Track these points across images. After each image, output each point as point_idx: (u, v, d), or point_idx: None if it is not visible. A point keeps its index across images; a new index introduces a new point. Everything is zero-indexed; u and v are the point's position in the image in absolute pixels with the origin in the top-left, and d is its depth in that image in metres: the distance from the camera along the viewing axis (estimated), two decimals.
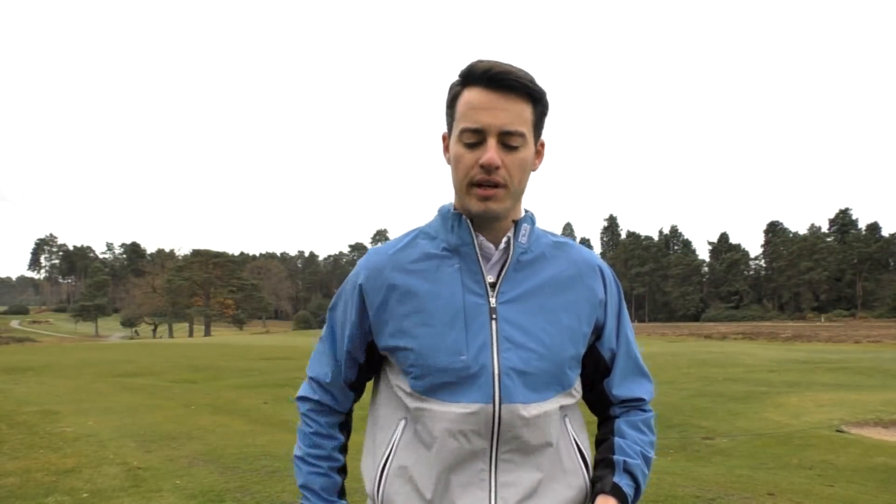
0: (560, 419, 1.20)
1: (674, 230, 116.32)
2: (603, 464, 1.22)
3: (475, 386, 1.13)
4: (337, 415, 1.34)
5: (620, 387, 1.28)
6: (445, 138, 1.21)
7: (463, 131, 1.12)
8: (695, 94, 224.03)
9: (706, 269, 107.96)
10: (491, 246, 1.19)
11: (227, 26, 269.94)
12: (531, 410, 1.14)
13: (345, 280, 1.31)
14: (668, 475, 5.44)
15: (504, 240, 1.19)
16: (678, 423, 8.62)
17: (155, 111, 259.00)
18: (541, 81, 1.15)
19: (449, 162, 1.19)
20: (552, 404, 1.17)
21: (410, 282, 1.19)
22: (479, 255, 1.18)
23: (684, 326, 63.72)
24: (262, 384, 13.85)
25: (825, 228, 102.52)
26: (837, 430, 8.14)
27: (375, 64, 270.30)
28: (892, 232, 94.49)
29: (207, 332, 77.88)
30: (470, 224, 1.17)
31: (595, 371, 1.27)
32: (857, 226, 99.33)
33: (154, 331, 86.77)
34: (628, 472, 1.20)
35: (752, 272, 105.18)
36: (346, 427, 1.37)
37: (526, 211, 1.24)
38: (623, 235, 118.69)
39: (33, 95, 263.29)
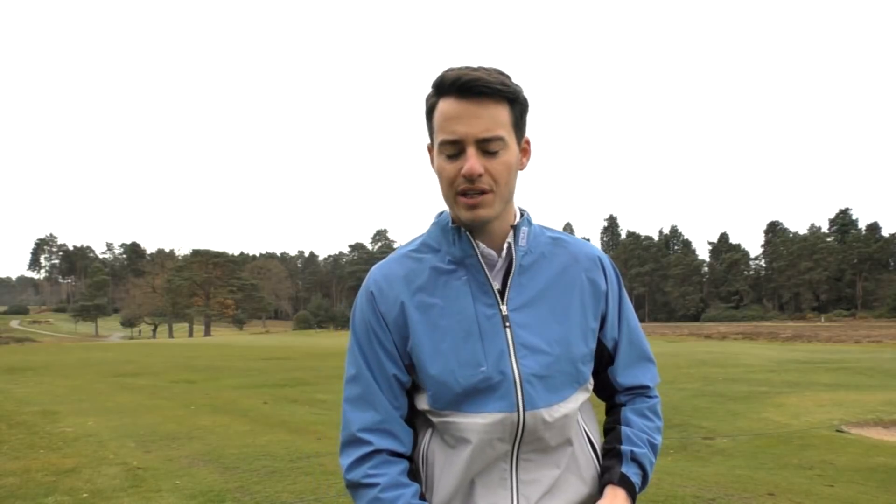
0: (577, 416, 1.22)
1: (674, 230, 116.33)
2: (611, 454, 1.25)
3: (497, 395, 1.13)
4: (404, 461, 1.19)
5: (624, 374, 1.30)
6: (430, 149, 1.20)
7: (442, 144, 1.12)
8: (695, 95, 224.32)
9: (706, 269, 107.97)
10: (493, 253, 1.19)
11: (227, 26, 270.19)
12: (554, 413, 1.16)
13: (353, 309, 1.28)
14: (668, 475, 5.44)
15: (505, 246, 1.19)
16: (678, 423, 8.62)
17: (155, 111, 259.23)
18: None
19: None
20: (572, 403, 1.19)
21: (422, 298, 1.19)
22: (483, 266, 1.18)
23: (684, 326, 63.69)
24: (262, 384, 13.84)
25: (825, 228, 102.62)
26: (837, 430, 8.13)
27: (375, 64, 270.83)
28: (892, 232, 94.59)
29: (207, 332, 77.90)
30: (470, 236, 1.17)
31: (600, 360, 1.28)
32: (857, 226, 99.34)
33: (154, 331, 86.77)
34: (635, 461, 1.23)
35: (752, 272, 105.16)
36: (416, 476, 1.21)
37: (522, 212, 1.24)
38: (623, 235, 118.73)
39: (33, 95, 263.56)
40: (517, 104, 1.15)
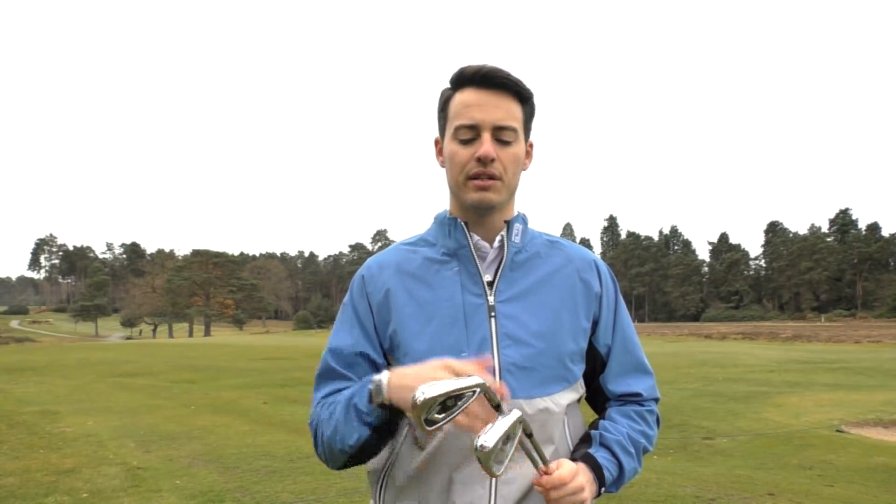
0: (562, 418, 1.20)
1: (674, 230, 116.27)
2: (581, 440, 1.23)
3: None
4: None
5: (616, 382, 1.28)
6: (438, 142, 1.26)
7: (458, 128, 1.17)
8: (695, 95, 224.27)
9: (706, 269, 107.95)
10: (486, 245, 1.22)
11: (227, 26, 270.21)
12: (535, 405, 1.15)
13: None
14: (668, 475, 5.44)
15: (498, 239, 1.22)
16: (678, 423, 8.62)
17: (155, 111, 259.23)
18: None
19: (443, 164, 1.24)
20: (556, 400, 1.18)
21: (411, 284, 1.21)
22: (475, 256, 1.21)
23: (684, 326, 63.61)
24: (262, 384, 13.84)
25: (825, 228, 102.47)
26: (837, 430, 8.13)
27: (375, 64, 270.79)
28: (892, 232, 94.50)
29: (207, 332, 77.81)
30: (465, 226, 1.21)
31: (592, 367, 1.27)
32: (857, 226, 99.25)
33: (154, 331, 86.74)
34: (605, 446, 1.19)
35: (752, 272, 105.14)
36: None
37: (518, 212, 1.27)
38: (623, 235, 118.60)
39: (33, 95, 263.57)
40: (528, 105, 1.21)
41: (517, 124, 1.17)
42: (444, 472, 1.14)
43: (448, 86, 1.21)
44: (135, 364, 19.87)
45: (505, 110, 1.15)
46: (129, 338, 75.13)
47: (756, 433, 7.96)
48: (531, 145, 1.26)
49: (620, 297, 1.31)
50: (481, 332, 1.16)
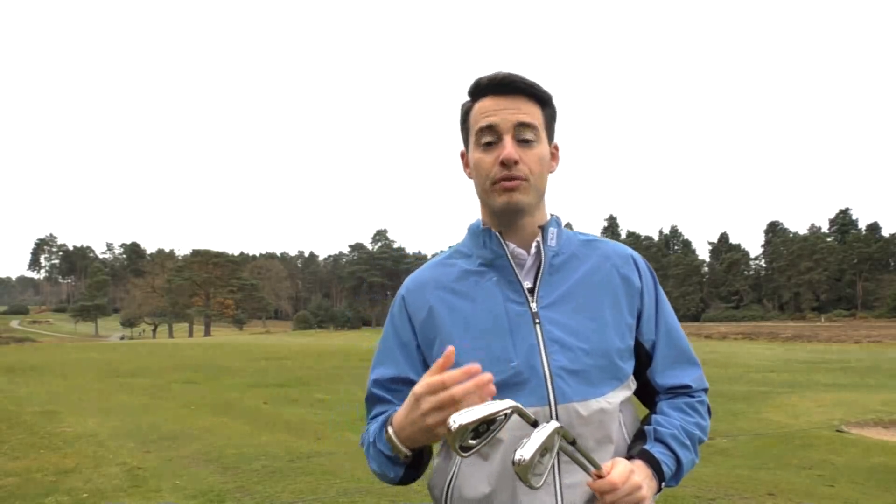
0: (618, 416, 1.20)
1: (674, 230, 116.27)
2: (636, 437, 1.22)
3: (527, 390, 1.13)
4: None
5: (664, 375, 1.27)
6: (464, 155, 1.27)
7: (479, 136, 1.19)
8: (695, 94, 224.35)
9: (706, 269, 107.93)
10: (523, 252, 1.22)
11: (227, 26, 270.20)
12: (590, 407, 1.15)
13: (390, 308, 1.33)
14: None
15: (534, 245, 1.21)
16: None
17: (155, 111, 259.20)
18: (545, 84, 1.21)
19: (470, 176, 1.25)
20: (610, 399, 1.18)
21: (452, 299, 1.22)
22: (513, 265, 1.20)
23: (684, 326, 62.21)
24: (262, 384, 13.83)
25: (825, 228, 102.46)
26: (837, 430, 8.13)
27: (375, 64, 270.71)
28: (892, 232, 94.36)
29: (207, 332, 77.77)
30: (500, 235, 1.21)
31: (638, 361, 1.27)
32: (857, 226, 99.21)
33: (154, 331, 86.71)
34: (660, 440, 1.18)
35: (752, 272, 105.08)
36: None
37: (551, 215, 1.27)
38: (623, 235, 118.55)
39: (33, 95, 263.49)
40: (548, 107, 1.23)
41: (537, 125, 1.18)
42: (509, 483, 1.13)
43: (467, 98, 1.23)
44: (135, 364, 19.85)
45: (524, 112, 1.17)
46: (123, 337, 75.01)
47: (756, 433, 7.96)
48: (556, 147, 1.27)
49: (661, 290, 1.30)
50: (528, 339, 1.16)
